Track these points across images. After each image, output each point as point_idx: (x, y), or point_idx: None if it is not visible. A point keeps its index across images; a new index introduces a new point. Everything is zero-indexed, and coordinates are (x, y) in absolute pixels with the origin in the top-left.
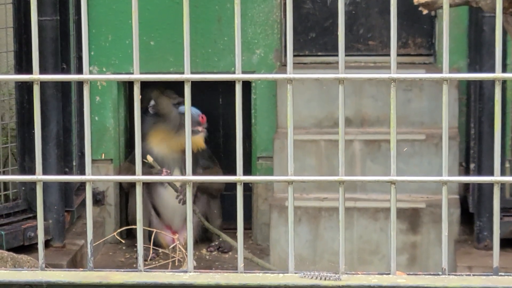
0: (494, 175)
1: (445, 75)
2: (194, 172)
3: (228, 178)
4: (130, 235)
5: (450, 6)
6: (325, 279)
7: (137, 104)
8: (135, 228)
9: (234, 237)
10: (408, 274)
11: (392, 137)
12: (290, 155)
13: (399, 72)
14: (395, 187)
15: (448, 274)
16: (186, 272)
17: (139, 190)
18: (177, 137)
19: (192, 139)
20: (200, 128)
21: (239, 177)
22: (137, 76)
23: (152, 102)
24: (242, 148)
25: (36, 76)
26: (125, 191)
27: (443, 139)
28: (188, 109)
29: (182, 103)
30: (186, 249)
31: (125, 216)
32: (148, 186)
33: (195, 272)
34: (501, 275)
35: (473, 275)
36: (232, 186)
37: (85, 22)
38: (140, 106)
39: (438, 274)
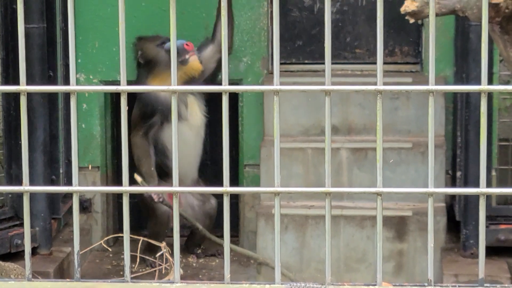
0: (480, 187)
1: (431, 87)
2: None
3: (215, 190)
4: (116, 242)
5: (437, 15)
6: None
7: (123, 115)
8: (122, 237)
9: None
10: (394, 285)
11: (379, 148)
12: (277, 166)
13: (386, 79)
14: (381, 199)
15: (434, 285)
16: (173, 283)
17: (126, 201)
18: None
19: (187, 66)
20: (188, 55)
21: (226, 188)
22: (123, 87)
23: (139, 53)
24: (228, 159)
25: (23, 87)
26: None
27: (429, 150)
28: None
29: (165, 41)
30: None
31: (112, 223)
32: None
33: (182, 283)
34: (486, 286)
35: (459, 286)
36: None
37: (72, 33)
38: (127, 117)
39: (424, 285)
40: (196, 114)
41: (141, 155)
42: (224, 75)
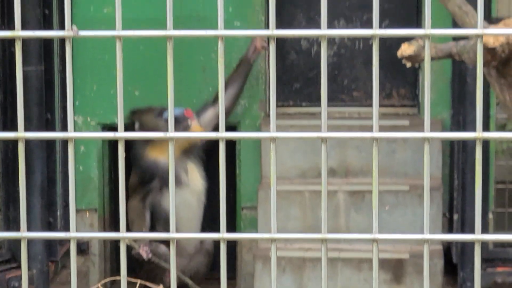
0: (475, 233)
1: (427, 134)
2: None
3: (212, 236)
4: (114, 284)
5: (434, 59)
6: None
7: (121, 161)
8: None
9: None
10: None
11: (374, 195)
12: (273, 213)
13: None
14: (377, 245)
15: None
16: None
17: (123, 247)
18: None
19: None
20: (189, 121)
21: (223, 234)
22: (121, 134)
23: (136, 125)
24: (225, 203)
25: (21, 134)
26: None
27: (424, 198)
28: (172, 169)
29: (162, 111)
30: None
31: (110, 266)
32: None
33: None
34: None
35: None
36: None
37: (70, 79)
38: (124, 163)
39: None
40: (197, 179)
41: (135, 218)
42: (221, 122)
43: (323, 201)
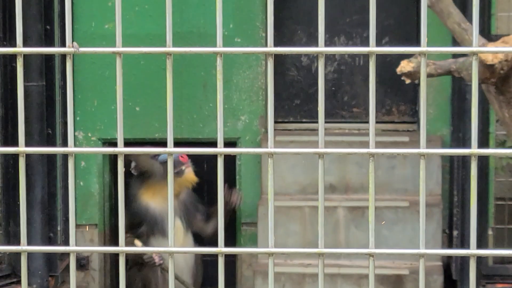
0: (471, 249)
1: (422, 150)
2: (194, 218)
3: (210, 250)
4: None
5: (433, 75)
6: None
7: (120, 177)
8: None
9: None
10: None
11: (371, 211)
12: (271, 227)
13: (383, 138)
14: (373, 260)
15: None
16: None
17: (122, 261)
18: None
19: (182, 178)
20: (184, 167)
21: (221, 249)
22: (121, 149)
23: (132, 164)
24: (223, 219)
25: (22, 148)
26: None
27: (420, 213)
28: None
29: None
30: None
31: (110, 281)
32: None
33: None
34: None
35: None
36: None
37: (70, 93)
38: (124, 177)
39: None
40: (180, 232)
41: None
42: (220, 138)
43: (320, 215)
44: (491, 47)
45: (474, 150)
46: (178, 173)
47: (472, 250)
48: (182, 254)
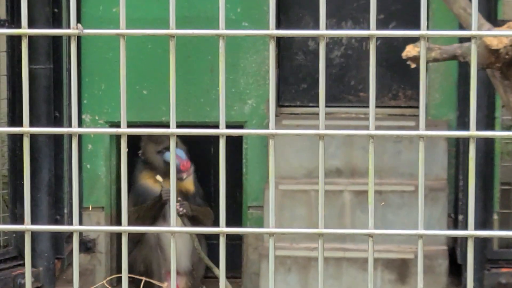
0: (468, 229)
1: (421, 132)
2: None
3: (211, 230)
4: (120, 283)
5: (439, 60)
6: None
7: (123, 157)
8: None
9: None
10: None
11: (370, 192)
12: (272, 208)
13: (389, 123)
14: (372, 240)
15: None
16: None
17: (124, 240)
18: (166, 181)
19: (181, 184)
20: (184, 175)
21: (222, 228)
22: (123, 130)
23: (141, 151)
24: (225, 200)
25: (26, 128)
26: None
27: (419, 195)
28: (173, 164)
29: (166, 149)
30: None
31: (116, 264)
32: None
33: None
34: None
35: None
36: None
37: (74, 75)
38: (126, 159)
39: None
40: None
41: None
42: (222, 119)
43: (320, 196)
44: (491, 31)
45: (473, 132)
46: (178, 179)
47: (470, 231)
48: (180, 241)
